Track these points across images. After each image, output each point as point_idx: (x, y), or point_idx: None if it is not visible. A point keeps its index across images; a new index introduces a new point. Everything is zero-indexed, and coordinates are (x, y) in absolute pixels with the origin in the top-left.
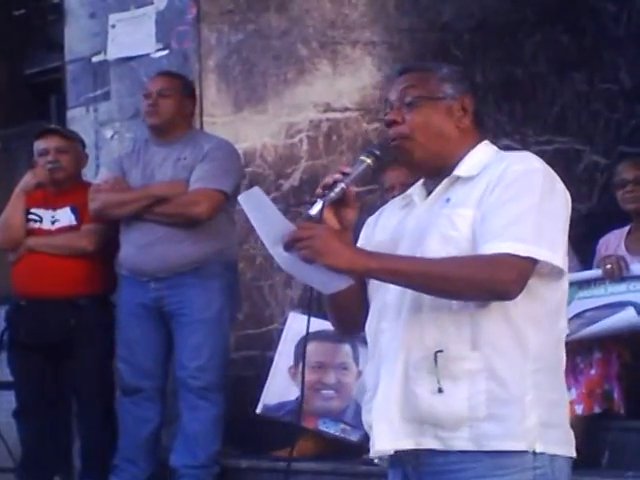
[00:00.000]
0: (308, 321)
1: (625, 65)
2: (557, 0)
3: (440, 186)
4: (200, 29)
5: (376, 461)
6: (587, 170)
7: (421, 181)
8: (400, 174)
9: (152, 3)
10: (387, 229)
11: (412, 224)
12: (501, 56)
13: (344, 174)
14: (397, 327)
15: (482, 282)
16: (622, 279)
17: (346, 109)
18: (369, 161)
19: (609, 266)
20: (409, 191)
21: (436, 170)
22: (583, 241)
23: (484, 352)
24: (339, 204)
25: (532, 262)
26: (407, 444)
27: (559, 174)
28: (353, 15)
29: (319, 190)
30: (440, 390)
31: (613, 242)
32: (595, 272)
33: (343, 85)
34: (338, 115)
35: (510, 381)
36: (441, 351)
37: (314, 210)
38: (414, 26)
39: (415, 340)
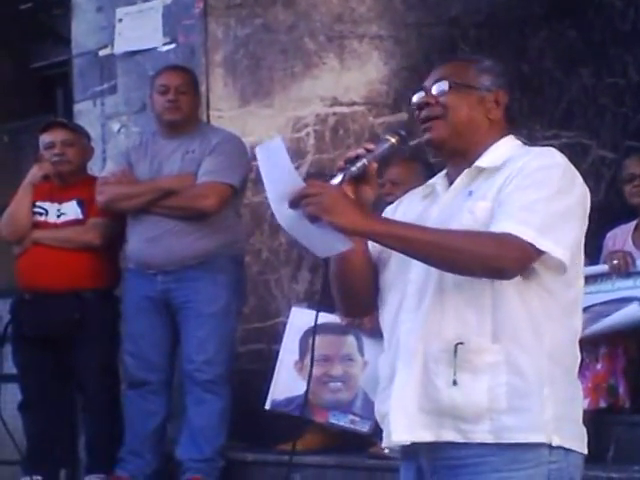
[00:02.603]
0: (316, 315)
1: (632, 60)
2: None
3: (462, 177)
4: (207, 23)
5: (386, 451)
6: (594, 165)
7: (444, 172)
8: (393, 171)
9: None
10: (408, 218)
11: (435, 215)
12: (508, 51)
13: (368, 150)
14: (416, 319)
15: (487, 257)
16: (629, 274)
17: (353, 103)
18: (394, 140)
19: (616, 261)
20: (431, 181)
21: (461, 157)
22: (589, 236)
23: (504, 344)
24: (359, 181)
25: (535, 250)
26: (426, 436)
27: None
28: (360, 9)
29: (340, 163)
30: (455, 382)
31: (620, 237)
32: (602, 267)
33: (350, 79)
34: (345, 109)
35: (530, 373)
36: (462, 343)
37: (334, 182)
38: (421, 20)
39: (435, 332)
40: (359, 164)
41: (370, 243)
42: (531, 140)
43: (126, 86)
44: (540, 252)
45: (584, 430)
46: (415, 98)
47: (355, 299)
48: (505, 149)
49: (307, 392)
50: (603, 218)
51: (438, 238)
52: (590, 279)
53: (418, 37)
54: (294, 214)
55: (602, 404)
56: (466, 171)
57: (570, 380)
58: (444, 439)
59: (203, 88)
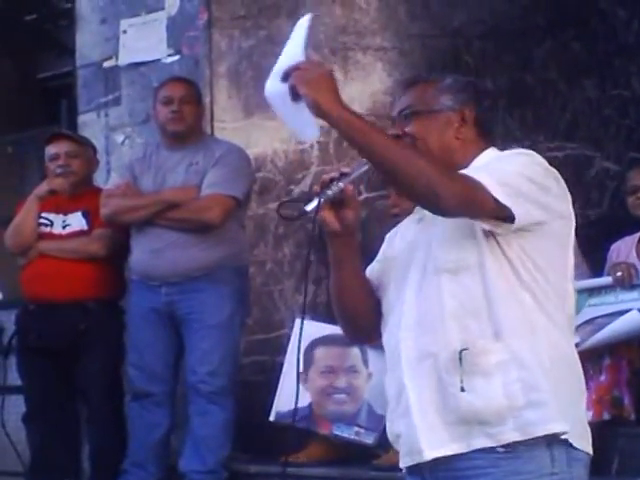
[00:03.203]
0: (301, 325)
1: (636, 71)
2: (568, 6)
3: None
4: (211, 34)
5: (404, 471)
6: (598, 176)
7: None
8: None
9: (163, 8)
10: (403, 243)
11: (425, 236)
12: (512, 62)
13: (343, 174)
14: (417, 335)
15: (433, 178)
16: (633, 286)
17: None
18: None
19: (619, 273)
20: None
21: None
22: (593, 247)
23: (507, 342)
24: (339, 205)
25: (481, 188)
26: (459, 448)
27: (570, 180)
28: (364, 21)
29: (316, 188)
30: (462, 389)
31: (624, 249)
32: (605, 279)
33: (354, 91)
34: None
35: (535, 366)
36: (466, 349)
37: (310, 206)
38: (425, 32)
39: (440, 343)
40: (335, 188)
41: (368, 271)
42: (535, 152)
43: (130, 97)
44: (486, 191)
45: (587, 428)
46: (389, 129)
47: (358, 325)
48: (484, 162)
49: (296, 405)
50: (606, 229)
51: (397, 145)
52: (594, 291)
53: (422, 48)
54: (283, 88)
55: (606, 416)
56: None
57: (572, 380)
58: (475, 447)
59: (207, 100)
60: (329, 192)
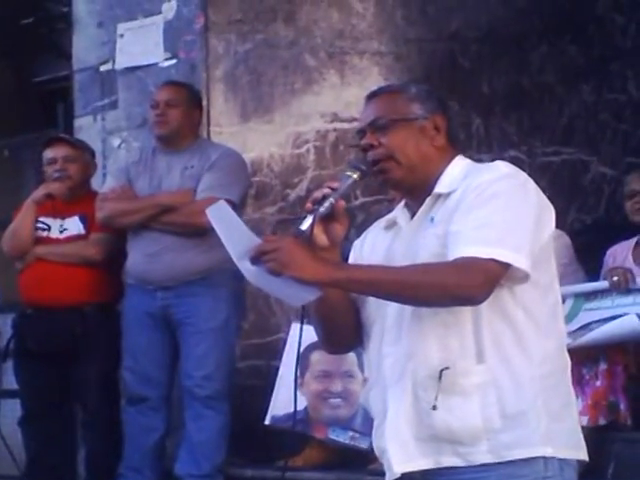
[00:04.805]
0: (301, 330)
1: (633, 76)
2: (565, 11)
3: (423, 206)
4: (208, 39)
5: None
6: (594, 181)
7: (402, 203)
8: None
9: (160, 13)
10: (377, 253)
11: (402, 248)
12: (508, 66)
13: (332, 189)
14: (399, 350)
15: (450, 288)
16: (629, 291)
17: (353, 119)
18: (355, 176)
19: (616, 278)
20: (392, 214)
21: (419, 189)
22: (589, 252)
23: (490, 364)
24: (328, 220)
25: (499, 265)
26: (426, 464)
27: (566, 185)
28: (361, 25)
29: (308, 205)
30: (435, 407)
31: (620, 254)
32: (602, 284)
33: (350, 95)
34: (345, 125)
35: (519, 389)
36: (447, 368)
37: (305, 225)
38: (421, 36)
39: (420, 360)
40: (326, 204)
41: None
42: (531, 156)
43: (127, 101)
44: (504, 265)
45: (580, 435)
46: (358, 141)
47: (337, 336)
48: (458, 171)
49: (295, 410)
50: (602, 234)
51: (399, 277)
52: (590, 295)
53: (418, 53)
54: (258, 270)
55: (601, 421)
56: (427, 200)
57: (562, 386)
58: (444, 465)
59: (203, 104)
60: (322, 209)
